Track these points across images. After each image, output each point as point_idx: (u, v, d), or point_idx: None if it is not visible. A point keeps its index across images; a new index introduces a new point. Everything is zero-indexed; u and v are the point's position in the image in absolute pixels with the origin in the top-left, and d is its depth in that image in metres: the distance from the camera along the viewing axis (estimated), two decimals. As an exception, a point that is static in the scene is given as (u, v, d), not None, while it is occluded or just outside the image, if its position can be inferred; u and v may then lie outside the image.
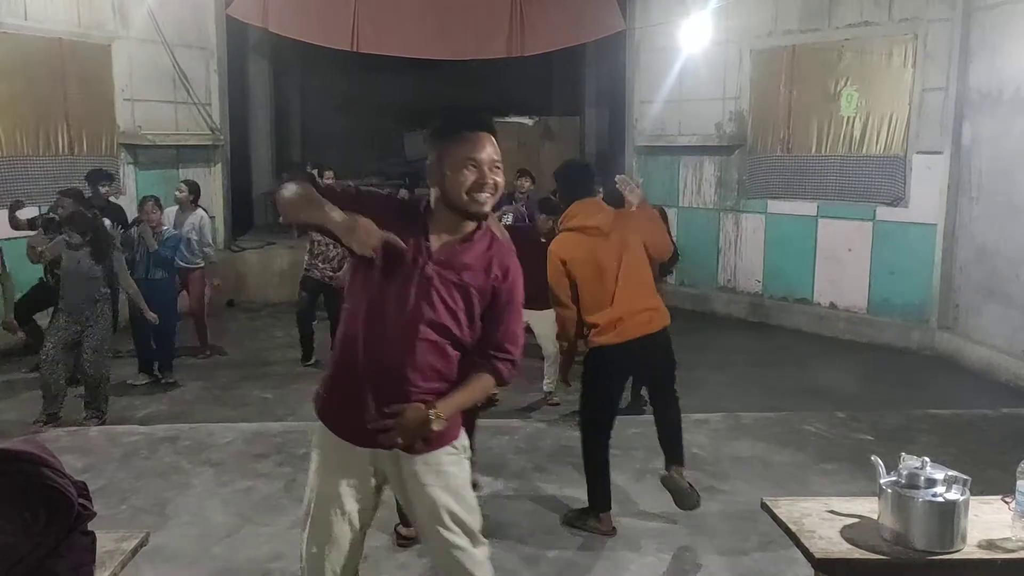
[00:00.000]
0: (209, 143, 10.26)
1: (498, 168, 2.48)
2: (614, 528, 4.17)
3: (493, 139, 2.49)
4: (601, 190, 7.64)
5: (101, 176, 7.84)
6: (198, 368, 7.74)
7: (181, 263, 7.79)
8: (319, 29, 10.48)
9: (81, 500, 2.15)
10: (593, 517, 4.20)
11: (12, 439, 2.14)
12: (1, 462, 2.04)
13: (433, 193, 2.54)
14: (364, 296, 2.50)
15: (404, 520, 4.03)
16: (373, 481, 2.59)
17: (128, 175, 9.26)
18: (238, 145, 11.61)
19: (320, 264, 7.58)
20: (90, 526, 2.20)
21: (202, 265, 8.04)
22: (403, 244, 2.42)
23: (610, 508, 4.21)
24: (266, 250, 11.03)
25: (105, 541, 2.36)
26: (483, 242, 2.55)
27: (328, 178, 8.69)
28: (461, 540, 2.56)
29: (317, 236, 7.79)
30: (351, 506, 2.56)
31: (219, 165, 10.52)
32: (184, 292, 8.04)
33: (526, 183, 8.89)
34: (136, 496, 4.65)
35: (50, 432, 5.61)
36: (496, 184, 2.48)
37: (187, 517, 4.41)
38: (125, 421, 6.17)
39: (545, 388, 6.46)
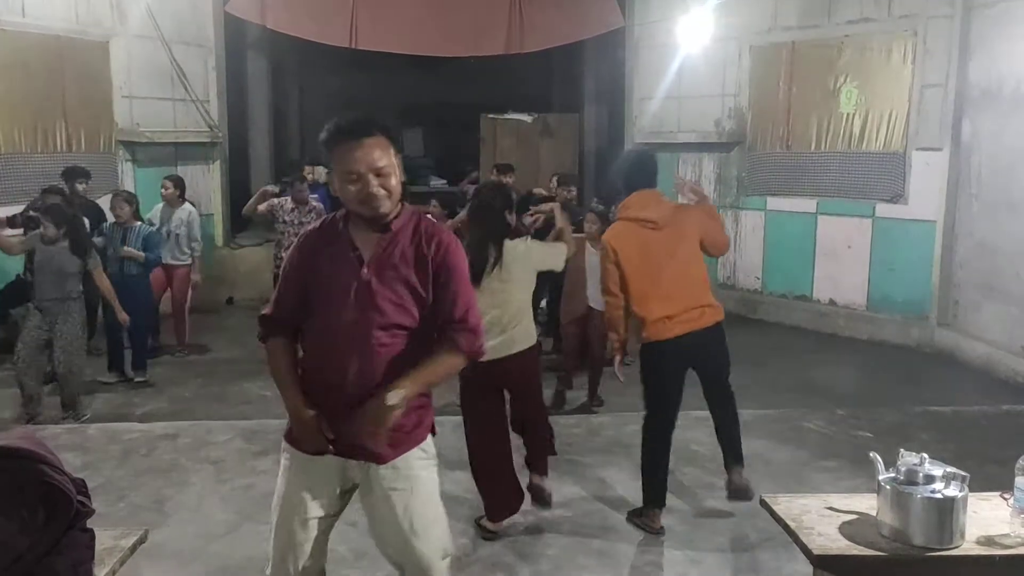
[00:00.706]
0: (207, 140, 10.24)
1: (383, 172, 2.43)
2: (663, 527, 4.15)
3: (379, 141, 2.44)
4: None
5: (77, 173, 7.76)
6: (196, 366, 7.74)
7: (168, 259, 7.76)
8: (317, 26, 10.46)
9: (80, 497, 2.14)
10: (642, 516, 4.20)
11: (10, 435, 2.13)
12: (-1, 459, 2.04)
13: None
14: (316, 323, 2.57)
15: (491, 513, 4.11)
16: (339, 489, 2.61)
17: (126, 172, 9.25)
18: (236, 142, 11.58)
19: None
20: (89, 523, 2.19)
21: (189, 262, 8.00)
22: (326, 435, 2.50)
23: (663, 505, 4.20)
24: (264, 247, 11.00)
25: (104, 538, 2.36)
26: (407, 227, 2.54)
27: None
28: (427, 549, 2.55)
29: (283, 227, 7.89)
30: (314, 512, 2.59)
31: (217, 162, 10.50)
32: (168, 288, 7.98)
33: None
34: (135, 493, 4.66)
35: (48, 429, 5.61)
36: (385, 187, 2.44)
37: (186, 514, 4.41)
38: (124, 418, 6.17)
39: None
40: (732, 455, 4.35)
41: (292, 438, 2.63)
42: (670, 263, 4.12)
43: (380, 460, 2.52)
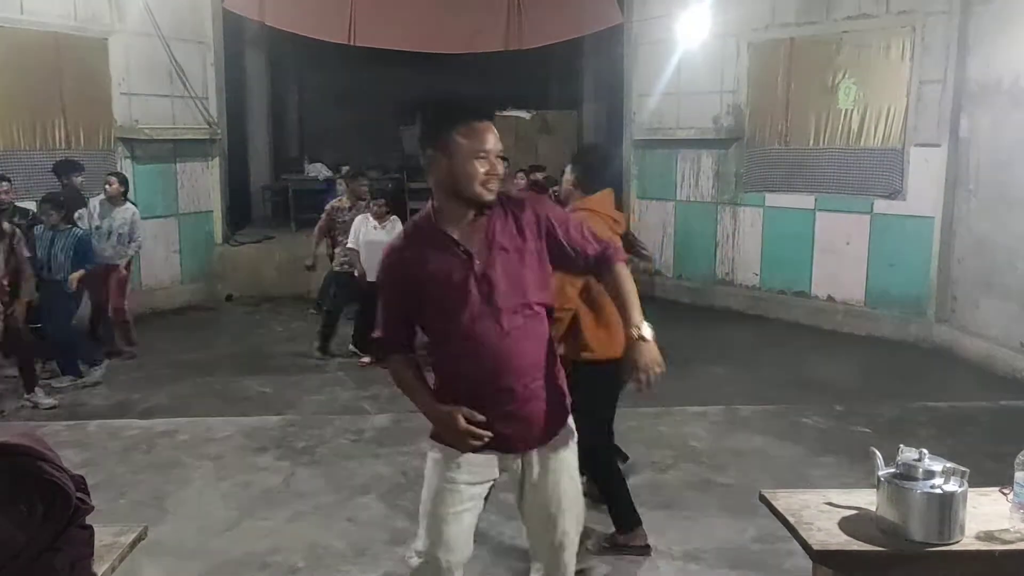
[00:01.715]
0: (206, 137, 10.23)
1: (501, 157, 2.51)
2: (648, 545, 3.94)
3: (494, 129, 2.49)
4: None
5: (71, 167, 7.73)
6: (196, 363, 7.73)
7: (105, 259, 7.52)
8: (316, 22, 10.45)
9: (79, 494, 2.15)
10: (636, 533, 3.92)
11: (9, 432, 2.13)
12: (-1, 456, 2.04)
13: (436, 185, 2.52)
14: (443, 331, 2.55)
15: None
16: (492, 481, 2.64)
17: (125, 170, 9.20)
18: (235, 139, 11.58)
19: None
20: (89, 520, 2.20)
21: (126, 262, 7.78)
22: (483, 433, 2.47)
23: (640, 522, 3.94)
24: (264, 244, 11.02)
25: (103, 535, 2.36)
26: (499, 210, 2.55)
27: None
28: (569, 525, 2.67)
29: (342, 226, 7.80)
30: (466, 505, 2.60)
31: (216, 159, 10.49)
32: (104, 288, 7.64)
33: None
34: (135, 490, 4.66)
35: (49, 426, 5.61)
36: (501, 173, 2.50)
37: (186, 511, 4.41)
38: (124, 415, 6.17)
39: None
40: None
41: (439, 436, 2.62)
42: None
43: (538, 444, 2.59)
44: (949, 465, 2.45)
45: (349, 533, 4.11)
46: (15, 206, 7.23)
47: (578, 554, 2.84)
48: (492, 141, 2.45)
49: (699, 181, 10.20)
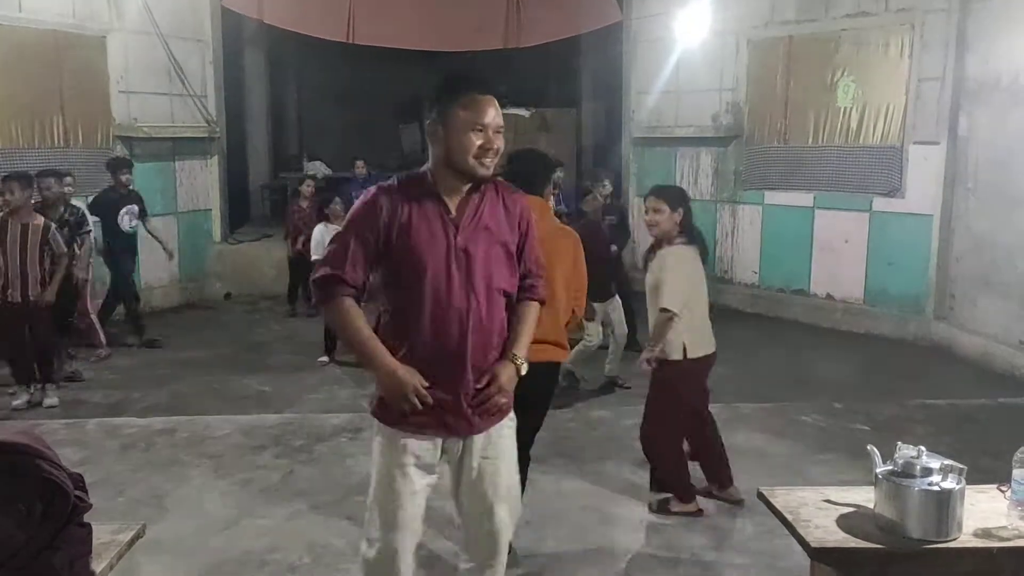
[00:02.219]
0: (205, 135, 10.22)
1: (501, 132, 2.50)
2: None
3: (496, 103, 2.49)
4: (607, 183, 7.68)
5: (122, 164, 7.91)
6: (195, 361, 7.74)
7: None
8: (314, 21, 10.44)
9: (77, 492, 2.15)
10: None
11: (8, 431, 2.13)
12: (-4, 454, 2.04)
13: (434, 155, 2.54)
14: (409, 292, 2.49)
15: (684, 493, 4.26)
16: (435, 460, 2.62)
17: (125, 168, 9.23)
18: (234, 137, 11.58)
19: None
20: (87, 518, 2.20)
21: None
22: (428, 398, 2.46)
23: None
24: (262, 243, 11.02)
25: (101, 533, 2.36)
26: (492, 190, 2.59)
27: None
28: (505, 512, 2.67)
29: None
30: (415, 487, 2.59)
31: (215, 157, 10.49)
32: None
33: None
34: (133, 488, 4.66)
35: (47, 424, 5.61)
36: (499, 149, 2.49)
37: (185, 509, 4.41)
38: (122, 413, 6.17)
39: (608, 372, 6.75)
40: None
41: (382, 412, 2.59)
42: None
43: (480, 430, 2.60)
44: (947, 462, 2.45)
45: (348, 531, 4.11)
46: (67, 202, 7.21)
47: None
48: (491, 115, 2.46)
49: (698, 179, 10.20)
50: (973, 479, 2.51)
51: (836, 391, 6.54)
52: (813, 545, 2.43)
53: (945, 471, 2.42)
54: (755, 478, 4.39)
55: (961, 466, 2.44)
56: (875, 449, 2.56)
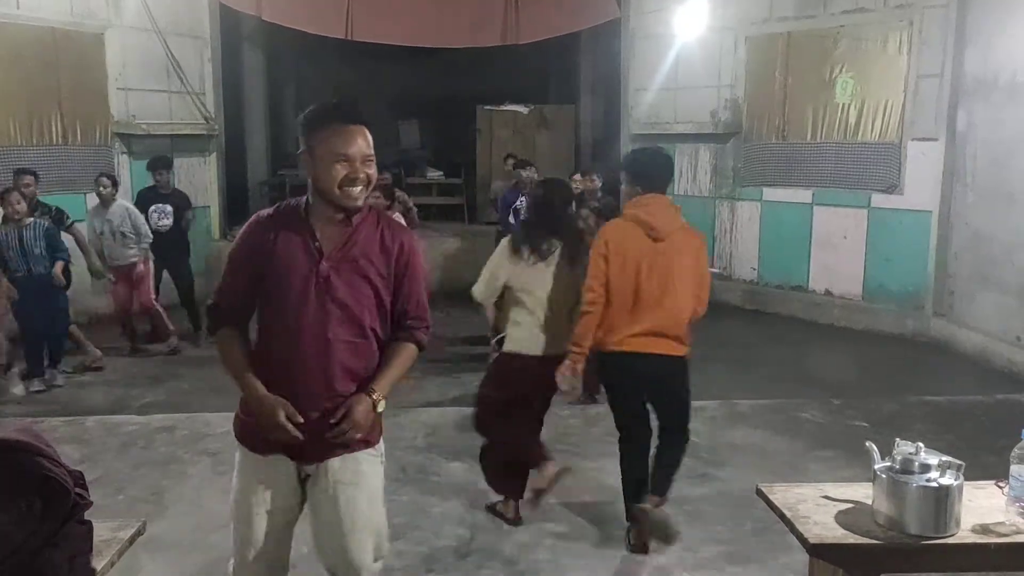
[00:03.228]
0: (204, 132, 10.21)
1: (370, 162, 2.45)
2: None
3: (366, 132, 2.45)
4: (596, 177, 7.70)
5: (159, 163, 7.98)
6: (193, 358, 7.74)
7: (118, 260, 7.52)
8: (313, 17, 10.43)
9: (77, 489, 2.15)
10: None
11: (7, 428, 2.13)
12: (-4, 452, 2.04)
13: (309, 184, 2.51)
14: (273, 314, 2.52)
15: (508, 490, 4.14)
16: (295, 480, 2.59)
17: (122, 165, 9.22)
18: (233, 134, 11.56)
19: None
20: (87, 516, 2.20)
21: (140, 257, 7.67)
22: (295, 432, 2.40)
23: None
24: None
25: (102, 530, 2.36)
26: (369, 223, 2.53)
27: None
28: (361, 548, 2.57)
29: None
30: (272, 504, 2.58)
31: (214, 155, 10.47)
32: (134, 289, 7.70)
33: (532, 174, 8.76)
34: (133, 486, 4.66)
35: (47, 422, 5.61)
36: (368, 177, 2.44)
37: (184, 506, 4.42)
38: (122, 411, 6.18)
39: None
40: (659, 487, 3.92)
41: (244, 435, 2.62)
42: (666, 279, 3.77)
43: (331, 456, 2.53)
44: (945, 459, 2.45)
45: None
46: (38, 201, 7.19)
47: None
48: (356, 145, 2.42)
49: (697, 175, 10.20)
50: (971, 475, 2.51)
51: (834, 388, 6.55)
52: (811, 541, 2.43)
53: (943, 467, 2.43)
54: (754, 474, 4.40)
55: (959, 462, 2.45)
56: (873, 446, 2.56)
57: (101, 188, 7.54)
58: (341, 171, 2.40)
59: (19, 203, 6.49)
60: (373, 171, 2.47)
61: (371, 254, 2.50)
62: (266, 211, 2.59)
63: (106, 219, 7.51)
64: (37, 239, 6.61)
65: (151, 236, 7.76)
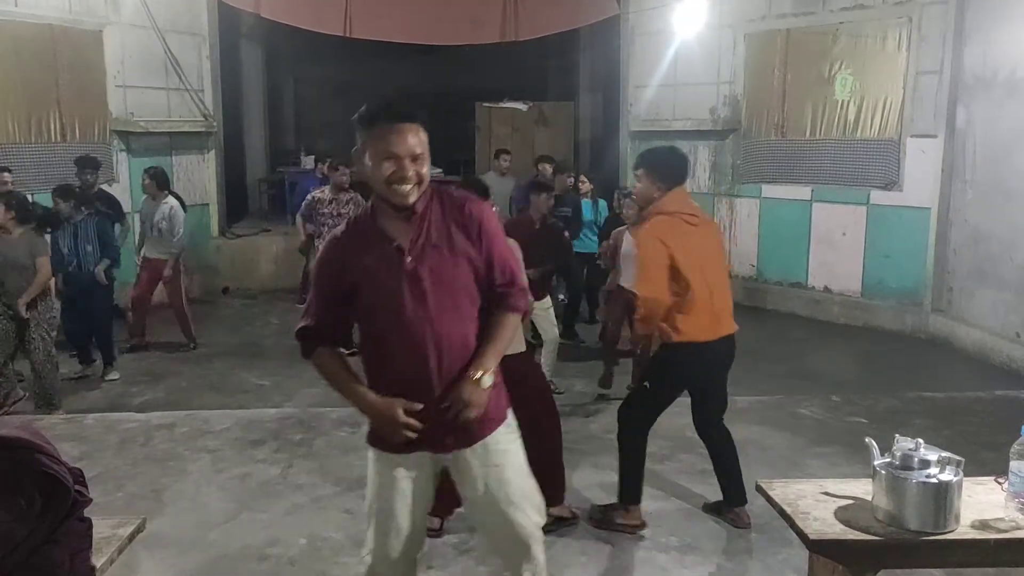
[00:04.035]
0: (202, 130, 10.21)
1: (420, 159, 2.44)
2: (644, 522, 4.07)
3: (418, 129, 2.45)
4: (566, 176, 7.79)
5: (87, 163, 7.67)
6: (193, 356, 7.74)
7: (154, 254, 7.70)
8: (312, 14, 10.43)
9: (77, 487, 2.15)
10: (622, 511, 4.07)
11: (7, 426, 2.13)
12: (-4, 449, 2.04)
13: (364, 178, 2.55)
14: (375, 325, 2.54)
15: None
16: (431, 477, 2.65)
17: (121, 162, 9.22)
18: (231, 132, 11.57)
19: None
20: (87, 513, 2.20)
21: (170, 259, 7.75)
22: (411, 424, 2.45)
23: (640, 501, 4.08)
24: (260, 237, 11.02)
25: (102, 527, 2.37)
26: (435, 205, 2.53)
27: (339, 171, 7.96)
28: (529, 516, 2.65)
29: (322, 219, 7.71)
30: (410, 502, 2.61)
31: (212, 152, 10.48)
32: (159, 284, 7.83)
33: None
34: (133, 483, 4.66)
35: (46, 420, 5.61)
36: (419, 175, 2.44)
37: (184, 503, 4.42)
38: (121, 408, 6.17)
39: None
40: (739, 494, 4.11)
41: (377, 439, 2.64)
42: (711, 261, 3.98)
43: (469, 443, 2.57)
44: (944, 455, 2.46)
45: (347, 525, 4.11)
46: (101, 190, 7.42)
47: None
48: (405, 143, 2.41)
49: (696, 172, 10.18)
50: (971, 471, 2.51)
51: (834, 384, 6.56)
52: (812, 537, 2.44)
53: (943, 463, 2.43)
54: (753, 471, 4.40)
55: (959, 458, 2.45)
56: (873, 442, 2.57)
57: (142, 182, 7.86)
58: (389, 169, 2.41)
59: (56, 203, 6.66)
60: (425, 169, 2.46)
61: (450, 235, 2.51)
62: (338, 230, 2.62)
63: (148, 213, 7.72)
64: (90, 236, 6.86)
65: (180, 239, 7.80)
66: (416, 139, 2.43)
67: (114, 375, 7.05)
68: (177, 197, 8.03)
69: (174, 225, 7.70)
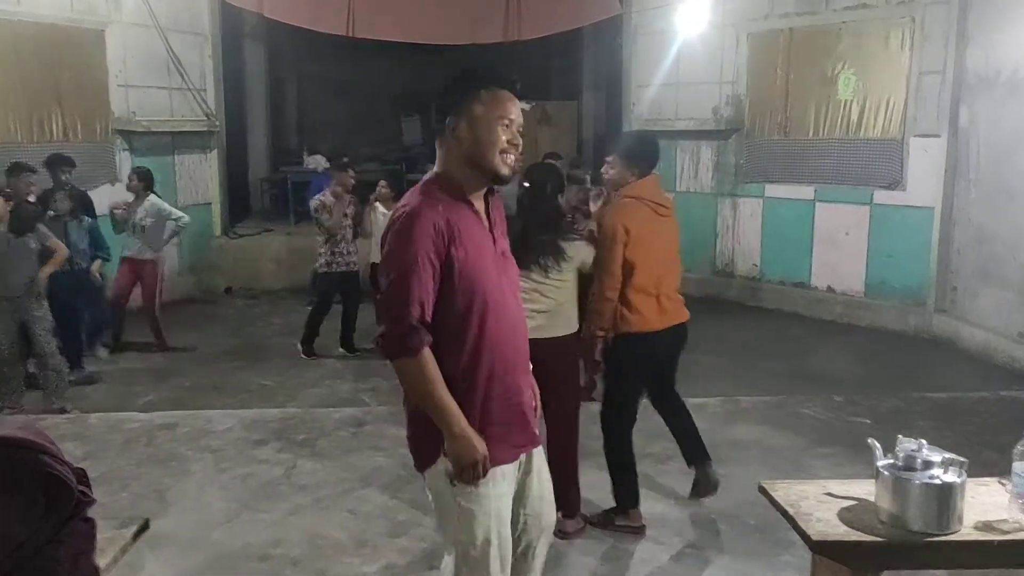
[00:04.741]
0: (205, 129, 10.22)
1: (521, 132, 2.38)
2: (644, 525, 4.06)
3: (518, 101, 2.38)
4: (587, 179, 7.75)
5: (61, 161, 7.46)
6: (196, 355, 7.75)
7: (134, 254, 7.65)
8: (314, 14, 10.42)
9: (80, 487, 2.14)
10: (622, 515, 4.06)
11: (9, 425, 2.13)
12: (-1, 449, 2.04)
13: (451, 157, 2.34)
14: (470, 314, 2.29)
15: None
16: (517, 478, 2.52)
17: (123, 162, 9.22)
18: (234, 131, 11.57)
19: (345, 252, 7.43)
20: (90, 513, 2.20)
21: (156, 256, 7.79)
22: (487, 463, 2.28)
23: (639, 504, 4.09)
24: (263, 236, 11.02)
25: (105, 528, 2.36)
26: (497, 196, 2.48)
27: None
28: (553, 508, 2.68)
29: (344, 221, 7.53)
30: (512, 509, 2.49)
31: (215, 151, 10.48)
32: (137, 283, 7.78)
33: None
34: (136, 483, 4.67)
35: (49, 419, 5.61)
36: (520, 147, 2.36)
37: (187, 503, 4.42)
38: (124, 408, 6.18)
39: None
40: (700, 451, 4.27)
41: (494, 456, 2.35)
42: (670, 252, 4.07)
43: (537, 443, 2.56)
44: (948, 455, 2.46)
45: (350, 525, 4.12)
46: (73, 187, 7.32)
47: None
48: (515, 111, 2.33)
49: (698, 172, 10.20)
50: (974, 472, 2.51)
51: (837, 384, 6.55)
52: (815, 538, 2.43)
53: (946, 464, 2.43)
54: (756, 471, 4.41)
55: (962, 459, 2.45)
56: (876, 443, 2.57)
57: (128, 182, 7.89)
58: (504, 135, 2.29)
59: (62, 202, 6.67)
60: (521, 143, 2.36)
61: (503, 222, 2.47)
62: (424, 204, 2.27)
63: (133, 213, 7.67)
64: (82, 236, 6.94)
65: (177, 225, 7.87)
66: (520, 111, 2.37)
67: (102, 353, 7.30)
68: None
69: (162, 213, 7.69)
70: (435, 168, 2.41)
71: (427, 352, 2.25)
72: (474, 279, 2.28)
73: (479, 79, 2.34)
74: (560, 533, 3.89)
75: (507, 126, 2.29)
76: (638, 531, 4.04)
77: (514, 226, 3.78)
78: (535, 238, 3.78)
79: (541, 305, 3.78)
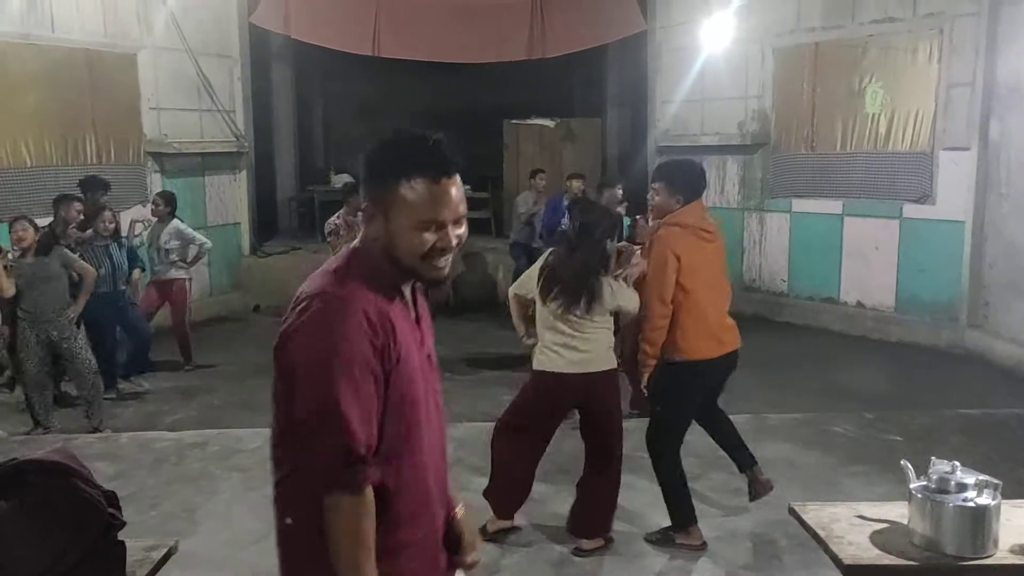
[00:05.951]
0: (234, 150, 10.34)
1: (462, 220, 1.82)
2: (705, 542, 4.03)
3: (459, 181, 1.81)
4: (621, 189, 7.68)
5: (97, 184, 7.57)
6: (225, 374, 7.81)
7: (160, 275, 7.77)
8: (341, 35, 10.54)
9: (111, 510, 2.17)
10: (682, 533, 4.05)
11: (44, 449, 2.16)
12: (32, 473, 2.07)
13: (373, 241, 1.83)
14: (401, 428, 1.79)
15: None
16: None
17: (155, 183, 9.35)
18: (262, 151, 11.70)
19: None
20: (120, 534, 2.22)
21: (184, 276, 7.88)
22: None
23: (696, 520, 4.07)
24: (290, 255, 11.11)
25: (135, 550, 2.39)
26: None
27: None
28: None
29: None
30: None
31: (244, 172, 10.61)
32: (163, 304, 7.91)
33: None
34: (166, 502, 4.71)
35: (81, 439, 5.68)
36: (460, 239, 1.82)
37: (216, 523, 4.45)
38: (154, 427, 6.24)
39: None
40: (747, 457, 4.39)
41: None
42: (721, 278, 4.07)
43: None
44: (982, 477, 2.42)
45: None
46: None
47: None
48: (452, 208, 1.77)
49: (724, 187, 10.15)
50: (1008, 491, 2.47)
51: (867, 401, 6.47)
52: (846, 562, 2.40)
53: (980, 487, 2.39)
54: (785, 490, 4.35)
55: (996, 481, 2.41)
56: (909, 464, 2.53)
57: (154, 206, 7.98)
58: (429, 240, 1.76)
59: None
60: (464, 230, 1.82)
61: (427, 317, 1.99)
62: (360, 289, 1.76)
63: (154, 235, 7.80)
64: (124, 257, 7.03)
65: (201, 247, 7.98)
66: (460, 194, 1.81)
67: (146, 385, 7.27)
68: None
69: (185, 236, 7.83)
70: (355, 242, 1.89)
71: (368, 494, 1.70)
72: (405, 392, 1.77)
73: (408, 163, 1.77)
74: (577, 551, 4.01)
75: (434, 228, 1.76)
76: (700, 548, 4.03)
77: (570, 265, 3.88)
78: (588, 280, 3.87)
79: (585, 343, 3.92)
